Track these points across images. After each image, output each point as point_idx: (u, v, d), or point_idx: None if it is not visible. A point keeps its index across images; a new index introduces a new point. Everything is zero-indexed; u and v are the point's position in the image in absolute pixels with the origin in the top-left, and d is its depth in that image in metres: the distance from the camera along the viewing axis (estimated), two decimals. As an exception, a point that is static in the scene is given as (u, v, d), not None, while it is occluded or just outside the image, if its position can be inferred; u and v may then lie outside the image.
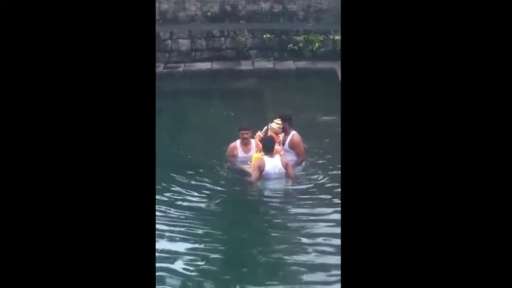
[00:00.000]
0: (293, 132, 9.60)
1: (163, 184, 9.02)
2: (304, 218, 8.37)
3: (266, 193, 9.08)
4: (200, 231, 7.97)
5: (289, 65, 15.79)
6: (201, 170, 9.73)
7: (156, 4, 16.49)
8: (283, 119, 9.57)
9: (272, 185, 9.08)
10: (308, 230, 7.98)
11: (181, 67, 15.79)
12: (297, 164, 9.61)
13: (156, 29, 15.20)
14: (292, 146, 9.59)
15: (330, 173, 9.50)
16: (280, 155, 9.22)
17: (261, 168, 9.01)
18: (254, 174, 9.08)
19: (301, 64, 15.72)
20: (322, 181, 9.36)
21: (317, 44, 15.88)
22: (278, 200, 8.97)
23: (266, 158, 9.06)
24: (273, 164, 9.05)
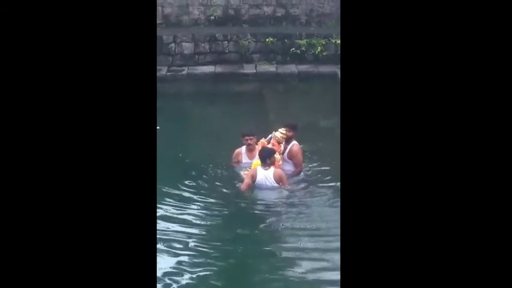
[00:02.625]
0: (293, 142, 9.14)
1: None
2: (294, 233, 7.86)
3: (257, 203, 8.68)
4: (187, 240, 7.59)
5: (292, 68, 15.78)
6: (195, 174, 9.44)
7: (160, 8, 16.56)
8: (290, 128, 9.08)
9: (264, 196, 8.70)
10: (297, 245, 7.49)
11: (185, 70, 15.78)
12: (294, 174, 9.18)
13: (160, 32, 15.30)
14: (291, 156, 9.15)
15: (330, 179, 9.15)
16: (278, 166, 8.88)
17: (253, 179, 8.74)
18: (244, 184, 8.78)
19: (304, 68, 15.75)
20: (321, 190, 8.98)
21: (319, 47, 15.86)
22: (268, 211, 8.52)
23: (259, 170, 8.75)
24: (266, 176, 8.71)
